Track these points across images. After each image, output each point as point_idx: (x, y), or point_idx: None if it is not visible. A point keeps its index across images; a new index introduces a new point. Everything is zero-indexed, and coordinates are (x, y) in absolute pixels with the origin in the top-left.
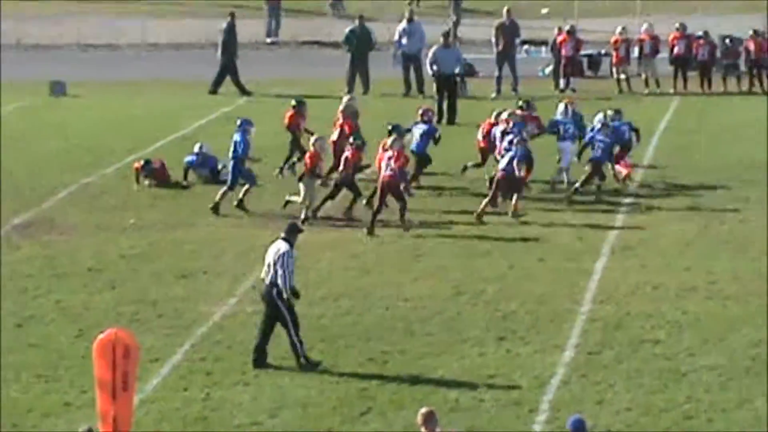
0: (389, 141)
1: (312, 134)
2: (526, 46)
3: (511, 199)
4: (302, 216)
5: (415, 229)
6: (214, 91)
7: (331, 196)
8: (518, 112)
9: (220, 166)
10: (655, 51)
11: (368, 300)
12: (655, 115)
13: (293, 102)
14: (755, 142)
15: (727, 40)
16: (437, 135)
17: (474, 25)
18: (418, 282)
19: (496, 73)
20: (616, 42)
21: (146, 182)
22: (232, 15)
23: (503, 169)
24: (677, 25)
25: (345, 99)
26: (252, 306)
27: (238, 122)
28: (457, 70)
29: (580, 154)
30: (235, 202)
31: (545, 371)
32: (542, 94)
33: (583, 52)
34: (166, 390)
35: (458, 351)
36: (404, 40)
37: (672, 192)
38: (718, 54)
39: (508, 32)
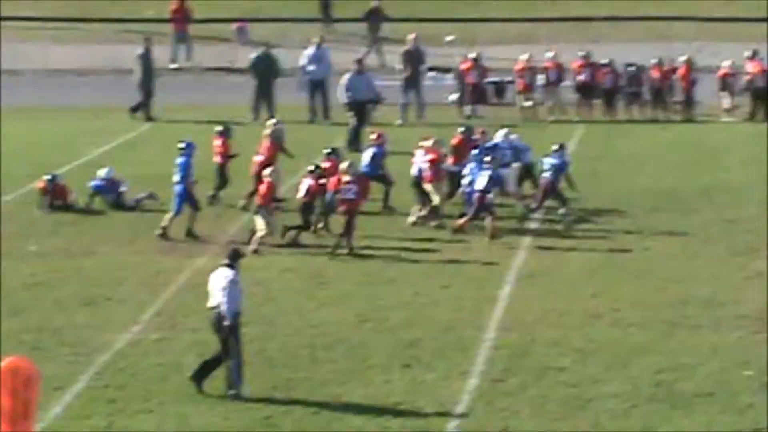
0: (344, 166)
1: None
2: (431, 73)
3: (483, 220)
4: (252, 247)
5: (320, 256)
6: (133, 112)
7: (306, 226)
8: (459, 137)
9: (122, 189)
10: (560, 79)
11: (273, 327)
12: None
13: (219, 128)
14: (659, 170)
15: (631, 68)
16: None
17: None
18: (323, 309)
19: (402, 100)
20: (521, 69)
21: (47, 204)
22: (147, 40)
23: (481, 191)
24: (582, 53)
25: (270, 123)
26: (156, 333)
27: (183, 145)
28: (370, 97)
29: (533, 178)
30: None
31: (450, 398)
32: (448, 121)
33: (488, 80)
34: (68, 419)
35: (363, 378)
36: (311, 67)
37: (577, 219)
38: (623, 82)
39: (414, 59)
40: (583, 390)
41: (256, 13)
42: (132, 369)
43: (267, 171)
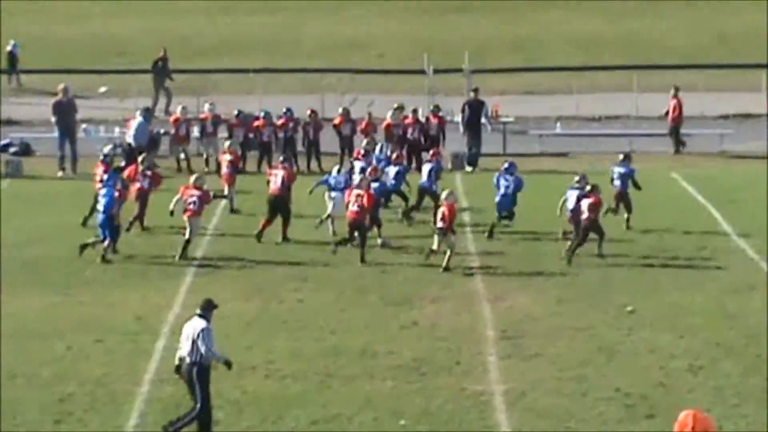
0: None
1: None
2: (84, 126)
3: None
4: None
5: None
6: None
7: None
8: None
9: None
10: (216, 130)
11: None
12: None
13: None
14: (309, 224)
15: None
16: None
17: (32, 104)
18: None
19: (59, 153)
20: (176, 121)
21: None
22: None
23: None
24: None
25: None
26: None
27: None
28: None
29: None
30: None
31: None
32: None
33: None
34: None
35: None
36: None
37: (233, 271)
38: (280, 134)
39: (66, 111)
40: None
41: None
42: None
43: None
